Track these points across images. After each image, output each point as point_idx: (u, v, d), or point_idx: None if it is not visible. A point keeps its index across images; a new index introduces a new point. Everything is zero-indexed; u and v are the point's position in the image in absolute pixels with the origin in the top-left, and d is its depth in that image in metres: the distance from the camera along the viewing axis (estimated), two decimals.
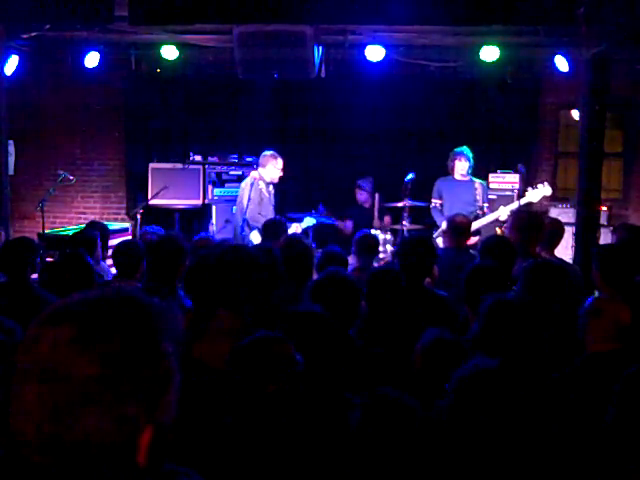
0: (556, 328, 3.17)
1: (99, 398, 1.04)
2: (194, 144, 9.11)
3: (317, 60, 6.84)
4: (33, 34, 6.86)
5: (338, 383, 2.61)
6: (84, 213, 9.57)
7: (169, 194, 8.33)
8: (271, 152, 7.17)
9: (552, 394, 2.50)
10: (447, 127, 8.69)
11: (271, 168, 7.09)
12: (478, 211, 7.01)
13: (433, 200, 7.24)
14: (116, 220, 9.26)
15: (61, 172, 8.12)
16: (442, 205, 7.20)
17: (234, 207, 7.51)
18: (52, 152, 9.50)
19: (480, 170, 8.63)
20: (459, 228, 5.45)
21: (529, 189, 7.12)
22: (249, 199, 6.84)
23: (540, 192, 6.94)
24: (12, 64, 7.23)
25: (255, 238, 6.56)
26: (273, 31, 6.53)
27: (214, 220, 8.48)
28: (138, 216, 7.72)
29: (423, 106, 8.70)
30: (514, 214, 5.71)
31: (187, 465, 1.22)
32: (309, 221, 7.41)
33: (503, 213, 6.99)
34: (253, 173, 7.17)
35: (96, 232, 5.57)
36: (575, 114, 7.86)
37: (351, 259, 5.36)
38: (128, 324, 1.09)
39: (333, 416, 2.18)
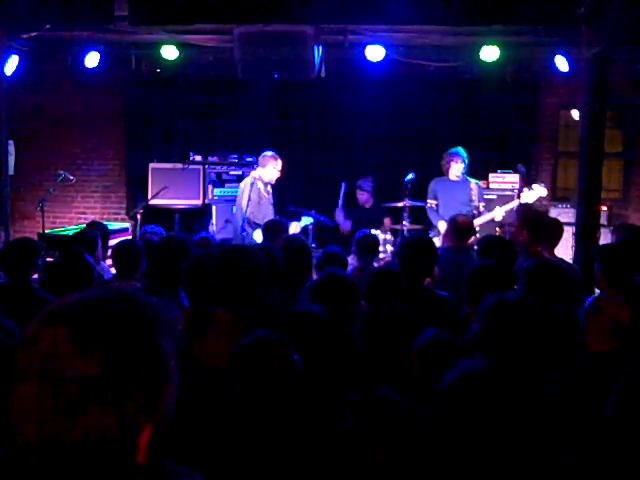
0: (557, 328, 3.17)
1: (98, 397, 1.04)
2: (194, 144, 9.11)
3: (317, 60, 6.83)
4: (33, 34, 6.86)
5: (336, 383, 2.61)
6: (84, 213, 9.58)
7: (169, 194, 8.33)
8: (271, 153, 7.17)
9: (548, 394, 2.50)
10: (447, 127, 8.70)
11: (270, 169, 7.09)
12: (474, 211, 7.00)
13: (428, 201, 7.24)
14: (116, 220, 9.26)
15: (61, 172, 8.12)
16: (437, 205, 7.21)
17: (234, 207, 7.51)
18: (52, 152, 9.50)
19: (480, 170, 8.65)
20: (461, 228, 5.45)
21: (524, 190, 7.14)
22: (249, 199, 6.84)
23: (536, 193, 6.94)
24: (12, 64, 7.22)
25: (258, 237, 6.55)
26: (273, 31, 6.53)
27: (214, 220, 8.49)
28: (138, 216, 7.73)
29: (423, 106, 8.71)
30: (522, 212, 5.71)
31: (187, 464, 1.22)
32: (307, 220, 7.41)
33: (498, 214, 6.99)
34: (253, 173, 7.17)
35: (96, 232, 5.57)
36: (575, 114, 7.87)
37: (351, 259, 5.36)
38: (127, 324, 1.09)
39: (331, 416, 2.18)
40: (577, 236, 6.43)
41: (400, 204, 7.13)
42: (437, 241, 6.41)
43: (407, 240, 4.61)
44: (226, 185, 8.79)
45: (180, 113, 9.15)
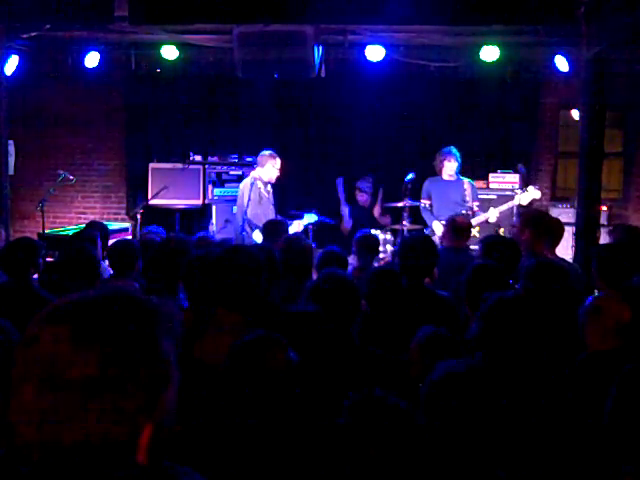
0: (557, 327, 3.17)
1: (99, 398, 1.04)
2: (194, 144, 9.11)
3: (317, 60, 6.83)
4: (33, 34, 6.86)
5: (336, 382, 2.61)
6: (84, 213, 9.57)
7: (169, 194, 8.33)
8: (269, 152, 7.17)
9: (548, 394, 2.50)
10: (447, 127, 8.70)
11: (269, 168, 7.10)
12: (468, 211, 6.99)
13: (422, 201, 7.23)
14: (116, 220, 9.26)
15: (61, 172, 8.11)
16: (431, 205, 7.21)
17: (234, 207, 7.51)
18: (52, 152, 9.50)
19: (480, 170, 8.66)
20: (459, 228, 5.44)
21: (518, 192, 7.14)
22: (249, 199, 6.84)
23: (530, 195, 6.95)
24: (12, 64, 7.22)
25: (258, 238, 6.56)
26: (273, 31, 6.53)
27: (214, 220, 8.49)
28: (138, 216, 7.73)
29: (423, 106, 8.71)
30: (524, 212, 5.71)
31: (187, 463, 1.22)
32: (310, 218, 7.40)
33: (493, 215, 6.99)
34: (252, 173, 7.17)
35: (96, 232, 5.58)
36: (575, 114, 7.87)
37: (351, 259, 5.36)
38: (127, 324, 1.09)
39: (329, 415, 2.18)
40: (577, 236, 6.44)
41: (400, 204, 7.13)
42: None
43: (408, 240, 4.60)
44: (226, 185, 8.79)
45: (180, 113, 9.14)
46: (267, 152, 7.18)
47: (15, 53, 7.24)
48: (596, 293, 3.94)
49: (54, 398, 1.04)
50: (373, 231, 6.49)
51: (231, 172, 8.82)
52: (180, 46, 7.53)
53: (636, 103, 8.58)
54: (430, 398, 2.00)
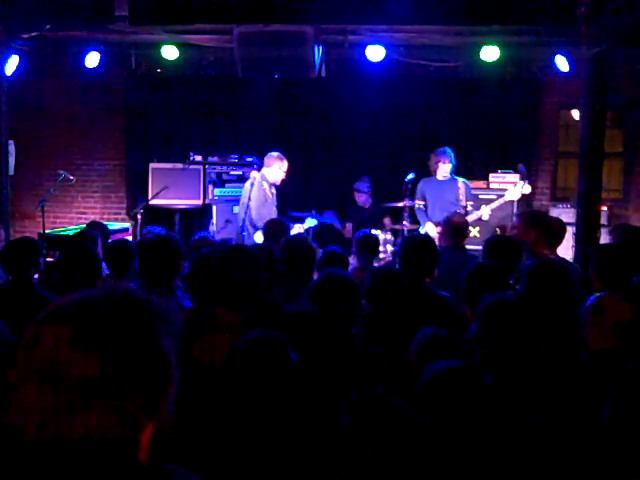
0: (558, 327, 3.17)
1: (100, 397, 1.04)
2: (194, 144, 9.11)
3: (317, 60, 6.84)
4: (33, 34, 6.87)
5: (336, 382, 2.61)
6: (84, 213, 9.57)
7: (169, 194, 8.33)
8: (277, 153, 7.16)
9: (545, 393, 2.50)
10: (447, 127, 8.71)
11: (276, 169, 7.09)
12: (461, 210, 6.99)
13: (417, 201, 7.24)
14: (116, 220, 9.26)
15: (61, 172, 8.12)
16: (425, 206, 7.22)
17: (235, 207, 7.51)
18: (52, 152, 9.50)
19: (480, 170, 8.66)
20: (457, 228, 5.44)
21: (508, 187, 7.14)
22: (249, 199, 6.84)
23: (519, 190, 6.97)
24: (12, 64, 7.23)
25: (259, 238, 6.56)
26: (273, 31, 6.53)
27: (214, 220, 8.48)
28: (138, 216, 7.73)
29: (423, 106, 8.71)
30: (526, 212, 5.71)
31: (186, 463, 1.23)
32: (311, 222, 7.40)
33: (485, 212, 6.99)
34: (253, 173, 7.15)
35: (96, 232, 5.58)
36: (575, 114, 7.87)
37: (351, 259, 5.36)
38: (127, 323, 1.09)
39: (329, 415, 2.18)
40: (577, 236, 6.44)
41: (400, 204, 7.13)
42: None
43: (408, 240, 4.60)
44: (226, 185, 8.78)
45: (180, 113, 9.15)
46: (275, 153, 7.17)
47: (15, 53, 7.25)
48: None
49: (55, 398, 1.03)
50: (373, 231, 6.50)
51: (231, 172, 8.81)
52: (180, 46, 7.53)
53: (636, 103, 8.58)
54: (420, 399, 2.00)
